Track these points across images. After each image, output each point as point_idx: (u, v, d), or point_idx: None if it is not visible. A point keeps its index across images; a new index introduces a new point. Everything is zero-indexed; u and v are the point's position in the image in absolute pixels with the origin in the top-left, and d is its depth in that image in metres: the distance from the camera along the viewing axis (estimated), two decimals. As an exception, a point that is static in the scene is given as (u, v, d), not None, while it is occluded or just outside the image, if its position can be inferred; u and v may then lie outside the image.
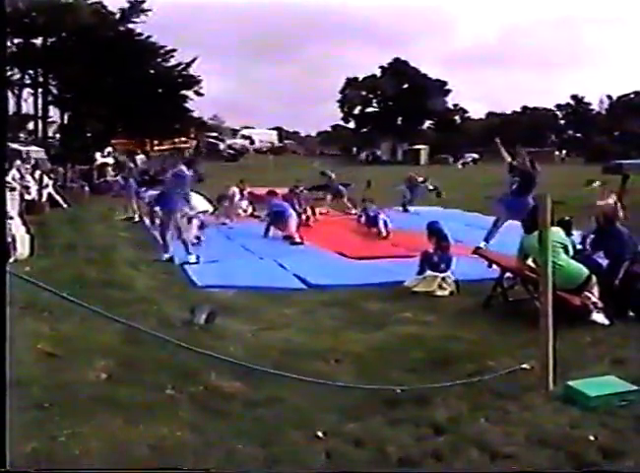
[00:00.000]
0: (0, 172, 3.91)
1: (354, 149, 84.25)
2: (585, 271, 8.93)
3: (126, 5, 61.02)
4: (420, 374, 6.75)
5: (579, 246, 10.27)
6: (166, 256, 13.33)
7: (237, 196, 20.56)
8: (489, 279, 10.26)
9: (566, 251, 9.08)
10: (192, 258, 13.08)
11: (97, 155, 47.02)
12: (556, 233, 9.01)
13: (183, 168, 14.44)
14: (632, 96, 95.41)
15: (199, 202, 16.19)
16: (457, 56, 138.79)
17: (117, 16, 61.23)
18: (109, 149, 47.65)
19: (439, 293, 10.71)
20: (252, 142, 79.56)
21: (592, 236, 10.49)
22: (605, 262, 9.90)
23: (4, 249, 2.90)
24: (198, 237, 15.25)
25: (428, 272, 11.03)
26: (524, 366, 6.64)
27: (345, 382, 6.34)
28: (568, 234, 9.80)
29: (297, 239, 15.95)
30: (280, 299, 10.36)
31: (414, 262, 11.60)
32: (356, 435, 5.34)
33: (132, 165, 28.97)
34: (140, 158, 42.77)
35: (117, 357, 6.91)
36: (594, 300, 8.76)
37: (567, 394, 6.03)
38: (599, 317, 8.65)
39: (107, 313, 5.27)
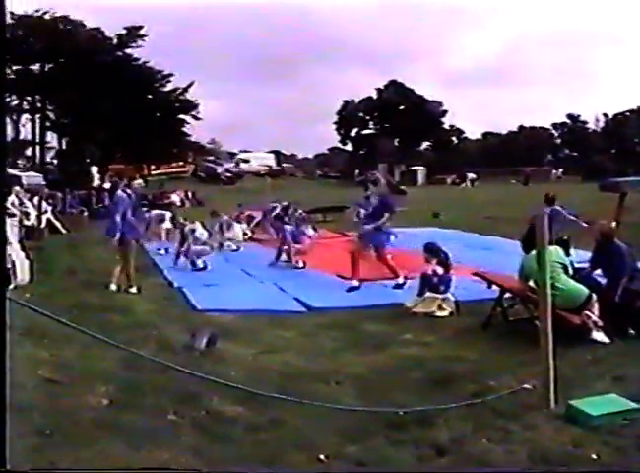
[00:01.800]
0: (0, 198, 3.92)
1: (357, 171, 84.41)
2: (585, 291, 8.94)
3: (123, 31, 61.37)
4: (422, 395, 6.75)
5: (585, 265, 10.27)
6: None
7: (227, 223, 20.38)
8: (489, 299, 10.28)
9: (566, 271, 9.10)
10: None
11: (94, 170, 47.21)
12: (555, 252, 9.04)
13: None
14: (628, 113, 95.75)
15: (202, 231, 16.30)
16: (453, 77, 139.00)
17: (115, 41, 61.53)
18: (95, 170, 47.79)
19: (439, 313, 10.71)
20: (250, 165, 79.71)
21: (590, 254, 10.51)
22: (603, 280, 9.92)
23: (4, 275, 2.88)
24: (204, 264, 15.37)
25: (428, 293, 11.04)
26: (526, 386, 6.64)
27: (346, 404, 6.33)
28: (566, 253, 9.81)
29: (300, 265, 15.89)
30: (280, 322, 10.37)
31: (413, 283, 11.63)
32: (358, 456, 5.34)
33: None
34: (138, 182, 42.85)
35: (118, 382, 6.90)
36: (594, 318, 8.77)
37: (569, 413, 6.03)
38: (599, 336, 8.66)
39: (107, 339, 5.27)
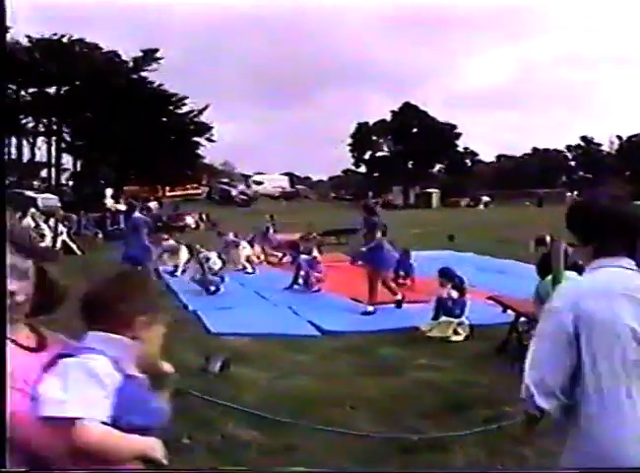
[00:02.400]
0: (1, 205, 3.91)
1: (370, 193, 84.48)
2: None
3: (139, 54, 61.92)
4: (436, 420, 6.73)
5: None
6: None
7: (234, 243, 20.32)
8: (503, 323, 10.26)
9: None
10: None
11: (108, 192, 47.38)
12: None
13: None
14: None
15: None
16: (467, 99, 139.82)
17: (130, 64, 62.09)
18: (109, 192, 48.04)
19: (454, 338, 10.69)
20: (264, 187, 79.94)
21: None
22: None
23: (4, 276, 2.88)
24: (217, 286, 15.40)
25: (443, 317, 11.03)
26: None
27: (360, 429, 6.33)
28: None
29: (315, 287, 15.86)
30: (294, 345, 10.36)
31: (428, 307, 11.60)
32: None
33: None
34: (152, 204, 43.05)
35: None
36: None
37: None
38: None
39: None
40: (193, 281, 15.80)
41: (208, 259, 16.25)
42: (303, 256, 17.14)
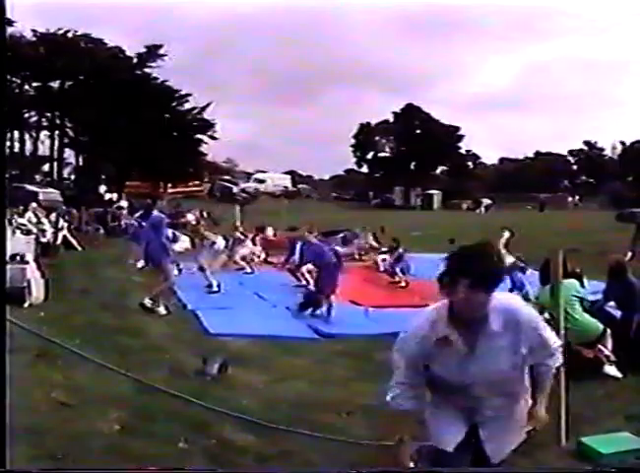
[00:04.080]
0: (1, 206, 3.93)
1: (371, 193, 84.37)
2: (600, 327, 8.91)
3: (143, 50, 61.91)
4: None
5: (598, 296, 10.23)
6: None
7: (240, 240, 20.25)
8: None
9: (582, 304, 9.06)
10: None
11: (102, 189, 47.42)
12: (572, 285, 9.00)
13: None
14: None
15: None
16: (470, 101, 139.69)
17: (134, 60, 62.07)
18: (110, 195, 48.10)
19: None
20: (266, 186, 79.86)
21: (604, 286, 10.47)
22: (616, 312, 9.88)
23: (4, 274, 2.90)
24: (218, 285, 15.39)
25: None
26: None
27: (356, 436, 6.32)
28: (581, 285, 9.77)
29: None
30: (292, 348, 10.37)
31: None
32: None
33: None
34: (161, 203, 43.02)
35: (130, 407, 6.92)
36: (607, 352, 8.74)
37: (580, 450, 6.01)
38: (611, 370, 8.63)
39: (118, 368, 5.29)
40: (199, 270, 15.93)
41: (213, 243, 16.40)
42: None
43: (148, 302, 12.77)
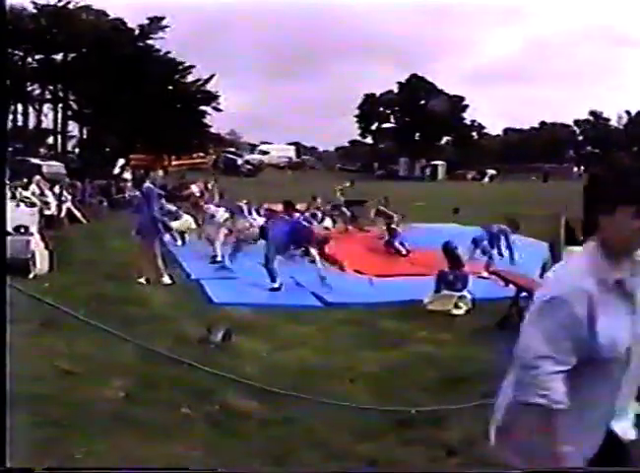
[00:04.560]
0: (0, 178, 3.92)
1: (375, 164, 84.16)
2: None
3: (145, 21, 61.55)
4: (434, 394, 6.78)
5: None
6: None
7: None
8: (507, 297, 10.28)
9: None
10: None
11: (120, 162, 47.28)
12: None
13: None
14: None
15: None
16: (475, 72, 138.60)
17: (136, 32, 61.73)
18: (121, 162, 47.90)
19: (455, 312, 10.72)
20: (270, 157, 79.70)
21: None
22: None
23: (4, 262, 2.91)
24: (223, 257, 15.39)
25: (444, 291, 11.06)
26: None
27: (359, 402, 6.36)
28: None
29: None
30: (296, 316, 10.41)
31: (430, 280, 11.63)
32: (370, 455, 5.37)
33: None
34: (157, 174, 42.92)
35: (134, 375, 6.96)
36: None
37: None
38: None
39: (123, 334, 5.32)
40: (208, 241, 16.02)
41: (212, 216, 16.43)
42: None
43: (142, 280, 12.79)
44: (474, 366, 7.82)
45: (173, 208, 19.88)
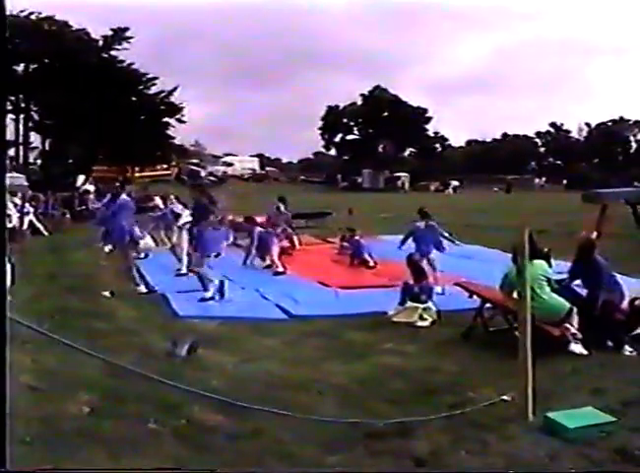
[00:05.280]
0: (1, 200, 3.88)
1: (339, 176, 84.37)
2: (567, 305, 9.02)
3: (109, 32, 61.24)
4: (402, 406, 6.80)
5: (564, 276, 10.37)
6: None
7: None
8: (471, 309, 10.34)
9: (550, 284, 9.17)
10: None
11: (80, 178, 46.84)
12: (540, 266, 9.14)
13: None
14: (610, 124, 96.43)
15: None
16: (439, 84, 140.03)
17: (100, 43, 61.39)
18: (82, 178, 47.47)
19: (420, 323, 10.74)
20: (234, 169, 79.58)
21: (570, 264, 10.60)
22: (581, 290, 10.02)
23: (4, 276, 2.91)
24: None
25: (409, 303, 11.10)
26: (504, 397, 6.69)
27: (327, 414, 6.37)
28: (548, 265, 9.88)
29: (280, 269, 15.92)
30: (261, 329, 10.38)
31: (396, 292, 11.67)
32: (338, 466, 5.38)
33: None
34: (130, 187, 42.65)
35: (100, 390, 6.90)
36: (573, 330, 8.86)
37: (546, 425, 6.10)
38: (577, 348, 8.75)
39: (88, 349, 5.26)
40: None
41: (179, 216, 16.45)
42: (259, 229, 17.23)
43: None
44: (439, 377, 7.87)
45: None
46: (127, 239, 13.30)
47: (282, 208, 19.90)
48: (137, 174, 62.24)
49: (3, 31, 2.44)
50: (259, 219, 19.27)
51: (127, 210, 13.61)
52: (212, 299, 12.43)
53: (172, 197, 18.16)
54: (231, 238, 21.48)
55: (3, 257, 2.06)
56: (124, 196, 14.24)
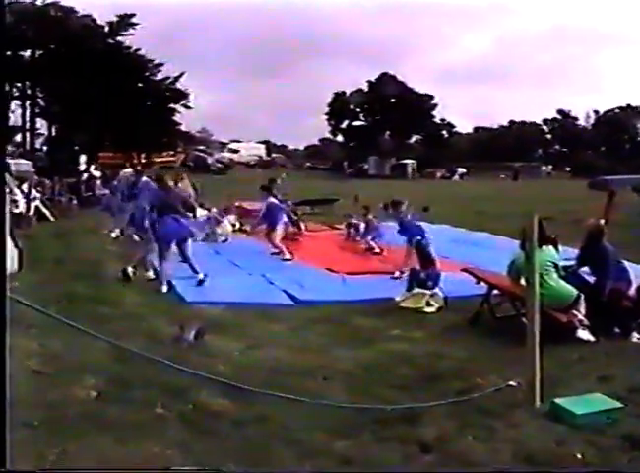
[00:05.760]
0: (1, 190, 3.88)
1: (345, 163, 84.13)
2: (574, 292, 8.99)
3: (115, 19, 61.15)
4: (409, 392, 6.79)
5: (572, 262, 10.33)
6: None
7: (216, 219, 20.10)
8: (478, 295, 10.31)
9: (557, 270, 9.14)
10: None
11: (82, 158, 46.77)
12: (548, 252, 9.10)
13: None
14: (617, 111, 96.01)
15: None
16: (446, 71, 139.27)
17: (106, 29, 61.31)
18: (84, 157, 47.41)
19: (427, 309, 10.74)
20: (240, 155, 79.45)
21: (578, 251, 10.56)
22: (589, 278, 9.98)
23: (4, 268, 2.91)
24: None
25: (416, 289, 11.08)
26: (511, 383, 6.66)
27: (333, 400, 6.36)
28: (556, 251, 9.85)
29: (287, 256, 15.86)
30: (268, 315, 10.37)
31: (402, 278, 11.65)
32: (345, 453, 5.37)
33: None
34: (128, 171, 42.54)
35: (107, 374, 6.90)
36: (580, 317, 8.84)
37: (553, 411, 6.08)
38: (584, 334, 8.73)
39: (95, 332, 5.27)
40: None
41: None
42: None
43: (130, 270, 12.76)
44: (447, 363, 7.86)
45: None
46: (147, 223, 13.26)
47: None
48: (143, 160, 62.20)
49: (3, 31, 2.40)
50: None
51: (148, 191, 13.67)
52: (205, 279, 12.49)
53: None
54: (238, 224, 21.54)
55: (3, 238, 2.03)
56: (145, 178, 14.28)
